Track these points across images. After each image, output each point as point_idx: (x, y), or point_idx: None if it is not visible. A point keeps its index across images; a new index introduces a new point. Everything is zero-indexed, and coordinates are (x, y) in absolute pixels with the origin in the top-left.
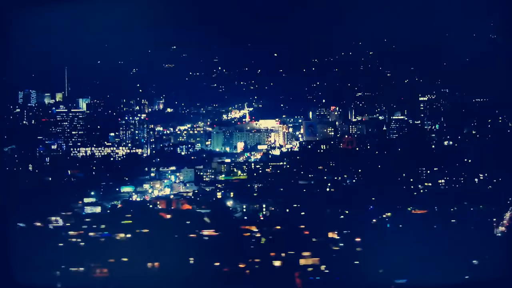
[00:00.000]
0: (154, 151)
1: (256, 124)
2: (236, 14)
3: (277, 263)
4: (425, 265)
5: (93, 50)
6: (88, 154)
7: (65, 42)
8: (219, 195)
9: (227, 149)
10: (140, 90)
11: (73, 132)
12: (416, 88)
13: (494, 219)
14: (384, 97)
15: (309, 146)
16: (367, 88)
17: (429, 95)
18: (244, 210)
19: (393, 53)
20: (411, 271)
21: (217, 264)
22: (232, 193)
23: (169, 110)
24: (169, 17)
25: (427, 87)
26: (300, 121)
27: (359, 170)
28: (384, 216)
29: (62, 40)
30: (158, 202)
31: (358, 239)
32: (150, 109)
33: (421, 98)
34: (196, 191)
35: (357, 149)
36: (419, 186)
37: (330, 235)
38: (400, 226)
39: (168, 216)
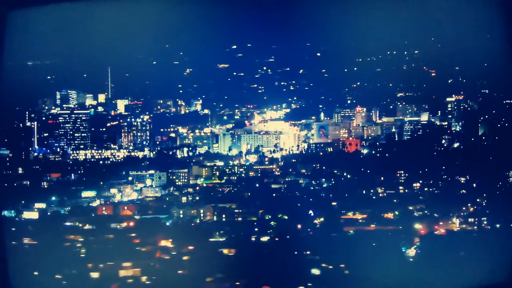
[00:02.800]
0: (156, 155)
1: (265, 125)
2: (287, 12)
3: (94, 274)
4: (263, 271)
5: (150, 50)
6: (87, 157)
7: (120, 42)
8: (184, 200)
9: (234, 151)
10: (181, 91)
11: (75, 135)
12: (457, 89)
13: (420, 226)
14: (424, 97)
15: (314, 149)
16: (409, 88)
17: (456, 96)
18: (181, 216)
19: (439, 52)
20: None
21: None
22: (198, 198)
23: (206, 111)
24: (230, 15)
25: (468, 87)
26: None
27: (344, 174)
28: (315, 221)
29: (117, 39)
30: (103, 208)
31: (190, 247)
32: (187, 110)
33: (448, 99)
34: (160, 196)
35: (364, 151)
36: (379, 189)
37: (163, 243)
38: (312, 232)
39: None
